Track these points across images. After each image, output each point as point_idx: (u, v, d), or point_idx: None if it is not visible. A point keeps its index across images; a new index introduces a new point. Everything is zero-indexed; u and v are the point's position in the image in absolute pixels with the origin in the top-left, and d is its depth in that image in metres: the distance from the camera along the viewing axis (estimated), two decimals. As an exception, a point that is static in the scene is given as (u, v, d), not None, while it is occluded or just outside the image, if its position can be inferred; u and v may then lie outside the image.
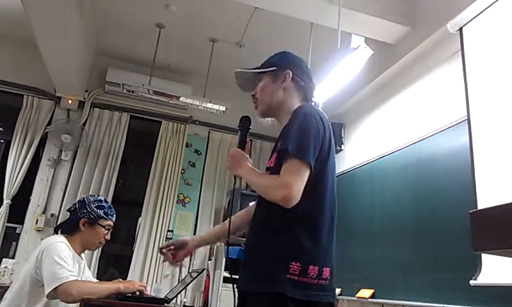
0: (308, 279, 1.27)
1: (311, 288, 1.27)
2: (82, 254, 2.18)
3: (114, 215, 2.20)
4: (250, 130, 1.58)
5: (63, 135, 4.45)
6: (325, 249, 1.34)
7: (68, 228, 2.11)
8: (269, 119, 1.58)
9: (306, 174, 1.29)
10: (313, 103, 1.55)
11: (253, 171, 1.45)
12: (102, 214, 2.12)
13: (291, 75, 1.51)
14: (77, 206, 2.14)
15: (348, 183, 4.01)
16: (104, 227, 2.13)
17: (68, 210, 2.21)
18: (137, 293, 2.03)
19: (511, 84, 2.17)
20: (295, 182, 1.26)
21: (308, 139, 1.32)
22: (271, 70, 1.53)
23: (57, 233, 2.12)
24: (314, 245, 1.31)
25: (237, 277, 1.42)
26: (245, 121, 1.57)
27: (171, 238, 4.62)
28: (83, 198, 2.18)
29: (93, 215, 2.10)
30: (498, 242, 0.74)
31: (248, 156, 1.49)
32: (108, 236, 2.17)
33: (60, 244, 1.96)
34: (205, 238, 1.80)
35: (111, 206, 2.21)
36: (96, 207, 2.12)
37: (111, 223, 2.17)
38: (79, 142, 4.55)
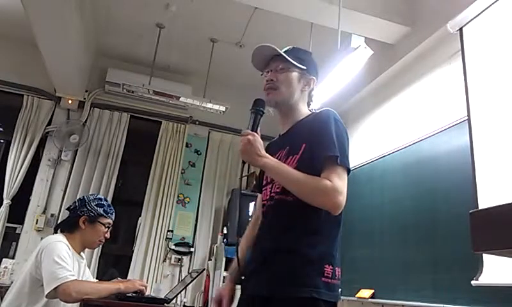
0: (336, 281, 1.29)
1: (336, 289, 1.29)
2: (83, 254, 2.18)
3: (114, 213, 2.21)
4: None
5: (72, 136, 4.46)
6: (338, 250, 1.36)
7: (68, 227, 2.11)
8: (274, 110, 1.50)
9: (346, 181, 1.32)
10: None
11: (284, 165, 1.34)
12: (102, 212, 2.13)
13: (315, 83, 1.52)
14: (77, 204, 2.14)
15: (348, 183, 4.01)
16: (103, 225, 2.14)
17: (67, 209, 2.22)
18: (139, 293, 2.03)
19: (511, 84, 2.17)
20: (344, 189, 1.29)
21: (346, 146, 1.35)
22: (302, 67, 1.48)
23: (56, 232, 2.12)
24: (338, 246, 1.34)
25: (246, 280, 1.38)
26: (259, 103, 1.41)
27: (171, 239, 4.62)
28: (83, 197, 2.19)
29: (93, 213, 2.10)
30: (498, 242, 0.73)
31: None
32: (108, 235, 2.18)
33: (59, 243, 1.96)
34: (232, 277, 1.55)
35: (110, 204, 2.22)
36: (96, 205, 2.13)
37: (111, 221, 2.18)
38: (80, 141, 4.54)
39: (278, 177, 1.34)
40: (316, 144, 1.33)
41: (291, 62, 1.46)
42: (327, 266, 1.27)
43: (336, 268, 1.30)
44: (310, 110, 1.52)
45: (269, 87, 1.46)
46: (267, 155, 1.34)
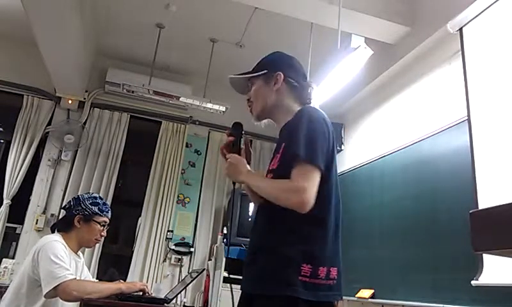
0: (318, 281, 1.28)
1: (321, 289, 1.28)
2: (80, 253, 2.18)
3: (109, 211, 2.20)
4: (248, 131, 1.59)
5: (66, 136, 4.46)
6: (332, 249, 1.34)
7: (63, 226, 2.11)
8: (265, 120, 1.58)
9: (317, 178, 1.29)
10: (311, 104, 1.55)
11: (256, 175, 1.46)
12: (97, 211, 2.12)
13: (282, 76, 1.51)
14: (71, 203, 2.14)
15: (348, 183, 4.01)
16: (99, 223, 2.13)
17: (63, 208, 2.22)
18: (141, 293, 2.03)
19: (511, 84, 2.17)
20: (309, 186, 1.26)
21: (317, 143, 1.32)
22: (262, 73, 1.53)
23: (53, 232, 2.12)
24: (322, 246, 1.32)
25: (240, 278, 1.41)
26: (236, 126, 1.56)
27: (171, 239, 4.62)
28: (77, 196, 2.18)
29: (88, 212, 2.10)
30: (498, 242, 0.74)
31: (245, 161, 1.49)
32: (104, 233, 2.17)
33: (55, 242, 1.96)
34: None
35: (106, 203, 2.22)
36: (90, 204, 2.12)
37: (106, 219, 2.17)
38: (79, 142, 4.55)
39: (255, 189, 1.43)
40: (288, 143, 1.37)
41: (251, 76, 1.55)
42: (304, 265, 1.26)
43: (321, 268, 1.28)
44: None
45: (249, 106, 1.57)
46: (245, 171, 1.46)
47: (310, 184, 1.27)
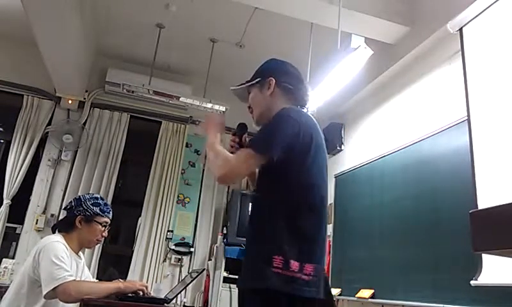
0: (291, 273, 1.29)
1: (296, 282, 1.29)
2: (81, 254, 2.18)
3: (111, 212, 2.20)
4: (249, 132, 1.64)
5: (64, 136, 4.46)
6: (309, 245, 1.36)
7: (64, 226, 2.11)
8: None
9: (253, 163, 1.39)
10: (306, 107, 1.60)
11: (217, 144, 1.51)
12: (98, 211, 2.12)
13: (274, 82, 1.56)
14: (73, 204, 2.13)
15: (348, 183, 4.01)
16: (100, 224, 2.13)
17: (64, 208, 2.22)
18: (140, 293, 2.02)
19: (511, 84, 2.17)
20: (237, 166, 1.36)
21: (272, 135, 1.38)
22: (256, 81, 1.60)
23: (54, 232, 2.12)
24: (297, 241, 1.34)
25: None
26: (242, 127, 1.64)
27: (171, 239, 4.62)
28: (79, 196, 2.18)
29: (89, 213, 2.10)
30: (498, 242, 0.74)
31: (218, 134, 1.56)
32: (105, 234, 2.17)
33: (56, 243, 1.95)
34: None
35: (107, 203, 2.21)
36: (92, 204, 2.12)
37: (108, 220, 2.17)
38: (79, 142, 4.55)
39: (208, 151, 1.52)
40: None
41: (248, 85, 1.63)
42: (276, 257, 1.29)
43: (291, 261, 1.29)
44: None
45: (251, 112, 1.65)
46: (215, 134, 1.54)
47: (238, 164, 1.37)
